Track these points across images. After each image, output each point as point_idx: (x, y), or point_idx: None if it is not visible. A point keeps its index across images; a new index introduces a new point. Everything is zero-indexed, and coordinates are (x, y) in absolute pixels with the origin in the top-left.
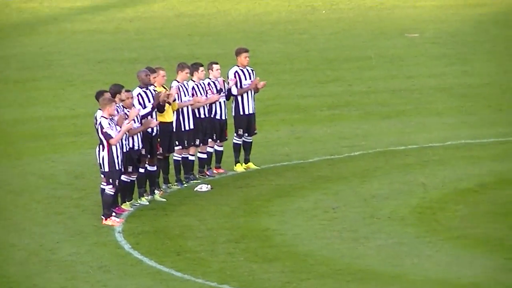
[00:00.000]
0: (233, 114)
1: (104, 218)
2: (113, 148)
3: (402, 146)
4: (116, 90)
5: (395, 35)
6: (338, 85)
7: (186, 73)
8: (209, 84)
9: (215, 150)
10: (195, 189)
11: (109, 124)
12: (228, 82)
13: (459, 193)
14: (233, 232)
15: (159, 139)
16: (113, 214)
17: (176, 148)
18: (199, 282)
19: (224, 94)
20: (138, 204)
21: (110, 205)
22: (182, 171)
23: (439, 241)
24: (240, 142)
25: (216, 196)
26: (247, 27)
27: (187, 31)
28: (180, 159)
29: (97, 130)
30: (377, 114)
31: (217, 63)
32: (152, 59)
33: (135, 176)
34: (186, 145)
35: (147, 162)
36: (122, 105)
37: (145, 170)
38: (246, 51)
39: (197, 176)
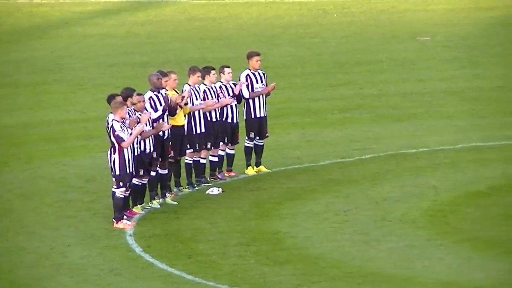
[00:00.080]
0: (245, 117)
1: (115, 221)
2: (125, 151)
3: (413, 149)
4: (127, 93)
5: (406, 39)
6: (349, 88)
7: (198, 76)
8: (220, 87)
9: (227, 153)
10: (207, 192)
11: (120, 127)
12: (241, 85)
13: (470, 195)
14: (244, 235)
15: (170, 143)
16: (125, 217)
17: (187, 151)
18: (210, 285)
19: (235, 97)
20: (149, 207)
21: (121, 208)
22: (193, 174)
23: (450, 243)
24: (251, 146)
25: (228, 199)
26: (259, 31)
27: (199, 35)
28: (191, 162)
29: (109, 133)
30: (388, 117)
31: (228, 67)
32: (163, 63)
33: (147, 179)
34: (197, 148)
35: (158, 165)
36: (134, 109)
37: (156, 173)
38: (258, 54)
39: (208, 179)
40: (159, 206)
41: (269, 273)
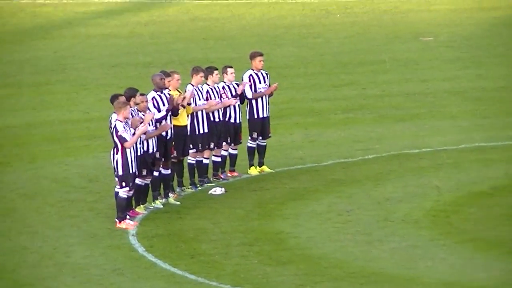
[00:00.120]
0: (248, 117)
1: (118, 221)
2: (127, 151)
3: (416, 149)
4: (130, 93)
5: (409, 39)
6: (352, 88)
7: (201, 76)
8: (223, 87)
9: (229, 154)
10: (209, 192)
11: (124, 127)
12: (244, 85)
13: (473, 196)
14: (247, 235)
15: (173, 143)
16: (127, 217)
17: (190, 151)
18: (213, 285)
19: (238, 97)
20: (152, 207)
21: (124, 208)
22: (196, 174)
23: (453, 244)
24: (254, 146)
25: (230, 199)
26: (262, 31)
27: (202, 35)
28: (194, 162)
29: (112, 133)
30: (391, 118)
31: (231, 67)
32: (166, 63)
33: (149, 179)
34: (200, 148)
35: (161, 166)
36: (137, 109)
37: (159, 174)
38: (261, 55)
39: (211, 179)
40: (162, 206)
41: (272, 273)
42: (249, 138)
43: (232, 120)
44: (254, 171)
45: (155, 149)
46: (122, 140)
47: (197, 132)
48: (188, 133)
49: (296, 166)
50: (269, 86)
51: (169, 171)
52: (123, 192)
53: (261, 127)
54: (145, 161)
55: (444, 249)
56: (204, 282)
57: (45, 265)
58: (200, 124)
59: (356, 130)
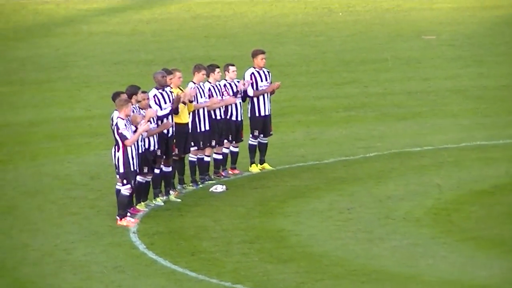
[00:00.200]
0: (249, 115)
1: (119, 218)
2: (129, 149)
3: (417, 148)
4: (132, 91)
5: (411, 37)
6: (354, 86)
7: (203, 74)
8: (225, 85)
9: (231, 151)
10: (210, 189)
11: (125, 125)
12: (244, 84)
13: (474, 194)
14: (248, 232)
15: (174, 140)
16: (128, 214)
17: (191, 149)
18: (213, 282)
19: (240, 95)
20: (153, 205)
21: (125, 206)
22: (197, 172)
23: (454, 242)
24: (255, 143)
25: (231, 197)
26: (264, 29)
27: (204, 33)
28: (195, 159)
29: (113, 130)
30: (393, 116)
31: (233, 65)
32: (168, 61)
33: (150, 177)
34: (201, 146)
35: (162, 163)
36: (139, 106)
37: (160, 171)
38: (263, 52)
39: (212, 177)
40: (162, 204)
41: (273, 271)
42: (251, 135)
43: (233, 118)
44: (255, 168)
45: (156, 147)
46: (123, 137)
47: (198, 130)
48: (190, 131)
49: (297, 164)
50: (271, 84)
51: (170, 169)
52: (126, 190)
53: (262, 125)
54: (146, 159)
55: (445, 247)
56: (204, 279)
57: (46, 263)
58: (202, 122)
59: (358, 128)
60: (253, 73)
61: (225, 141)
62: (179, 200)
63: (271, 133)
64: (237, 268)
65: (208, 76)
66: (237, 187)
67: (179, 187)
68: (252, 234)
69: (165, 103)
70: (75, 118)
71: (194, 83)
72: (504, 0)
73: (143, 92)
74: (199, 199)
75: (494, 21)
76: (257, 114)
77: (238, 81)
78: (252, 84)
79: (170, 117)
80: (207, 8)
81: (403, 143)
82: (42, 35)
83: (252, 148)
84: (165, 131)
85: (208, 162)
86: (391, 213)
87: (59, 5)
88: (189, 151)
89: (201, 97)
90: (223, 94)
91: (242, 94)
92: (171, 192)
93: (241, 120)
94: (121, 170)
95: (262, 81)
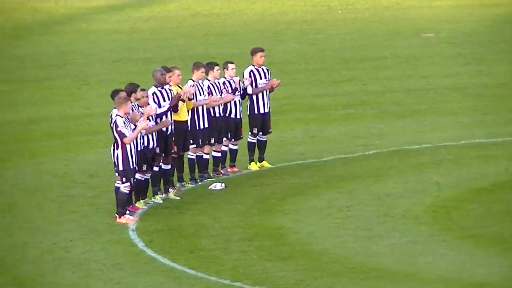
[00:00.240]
0: (248, 113)
1: (118, 216)
2: (128, 146)
3: (416, 145)
4: (131, 89)
5: (410, 35)
6: (353, 84)
7: (202, 72)
8: (224, 83)
9: (230, 149)
10: (209, 187)
11: (124, 123)
12: (244, 82)
13: (474, 192)
14: (247, 230)
15: (174, 138)
16: (127, 212)
17: (191, 146)
18: (212, 280)
19: (239, 93)
20: (152, 203)
21: (124, 203)
22: (196, 170)
23: (453, 240)
24: (254, 141)
25: (230, 195)
26: (263, 27)
27: (203, 31)
28: (194, 157)
29: (112, 128)
30: (392, 114)
31: (232, 63)
32: (167, 59)
33: (150, 175)
34: (200, 143)
35: (161, 161)
36: (137, 104)
37: (159, 169)
38: (262, 50)
39: (211, 175)
40: (162, 201)
41: (272, 269)
42: (250, 133)
43: (232, 116)
44: (254, 166)
45: (155, 144)
46: (122, 135)
47: (197, 127)
48: (189, 128)
49: (296, 161)
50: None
51: (169, 166)
52: (125, 188)
53: (261, 122)
54: (145, 156)
55: (444, 245)
56: (203, 277)
57: (45, 260)
58: (201, 119)
59: (357, 126)
60: (252, 71)
61: (224, 139)
62: (178, 198)
63: (270, 131)
64: (236, 266)
65: (207, 74)
66: (236, 185)
67: (178, 185)
68: (251, 232)
69: (164, 101)
70: (74, 116)
71: (193, 81)
72: None
73: (142, 90)
74: (198, 197)
75: (494, 19)
76: (256, 112)
77: (235, 79)
78: (251, 82)
79: (169, 114)
80: (206, 6)
81: (402, 141)
82: (41, 33)
83: (251, 146)
84: (164, 128)
85: (207, 160)
86: (390, 210)
87: (58, 3)
88: (188, 149)
89: (200, 94)
90: (222, 92)
91: (241, 91)
92: (170, 190)
93: (240, 117)
94: (120, 168)
95: (261, 79)
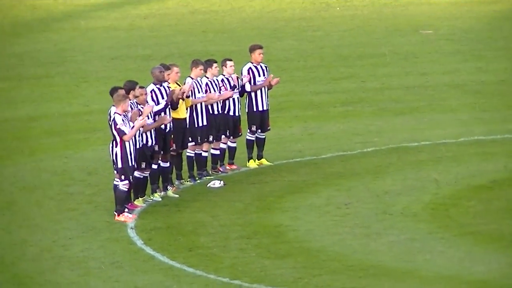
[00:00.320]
0: (247, 110)
1: (116, 214)
2: (126, 144)
3: (415, 143)
4: (130, 86)
5: (409, 32)
6: (351, 81)
7: (200, 69)
8: (222, 80)
9: (228, 147)
10: (208, 185)
11: (122, 120)
12: (242, 79)
13: (472, 189)
14: (245, 228)
15: (172, 136)
16: (126, 210)
17: (189, 144)
18: (211, 278)
19: (237, 90)
20: (151, 200)
21: (123, 201)
22: (195, 167)
23: (451, 237)
24: (253, 139)
25: (229, 192)
26: (261, 24)
27: (201, 28)
28: (193, 155)
29: (111, 126)
30: (390, 111)
31: (231, 60)
32: (166, 56)
33: (148, 172)
34: (199, 141)
35: (160, 158)
36: (136, 102)
37: (158, 166)
38: (260, 47)
39: (210, 172)
40: (160, 199)
41: (270, 266)
42: (248, 131)
43: (231, 113)
44: (253, 164)
45: (154, 142)
46: (121, 133)
47: (196, 125)
48: (187, 126)
49: (295, 159)
50: None
51: (168, 164)
52: (124, 185)
53: (260, 120)
54: (144, 154)
55: (443, 242)
56: (202, 275)
57: (44, 258)
58: (199, 117)
59: (355, 123)
60: (250, 68)
61: (223, 136)
62: (176, 195)
63: (268, 128)
64: (234, 264)
65: (205, 71)
66: (235, 182)
67: (177, 182)
68: (250, 230)
69: (163, 98)
70: (73, 113)
71: (192, 78)
72: None
73: (141, 87)
74: (197, 194)
75: (492, 16)
76: (254, 109)
77: (237, 77)
78: (249, 79)
79: (168, 112)
80: (205, 3)
81: (400, 138)
82: (40, 30)
83: (249, 144)
84: (163, 126)
85: (206, 157)
86: (388, 208)
87: (57, 0)
88: (186, 147)
89: (199, 92)
90: (220, 89)
91: (239, 89)
92: (169, 187)
93: (239, 115)
94: (119, 165)
95: (259, 76)
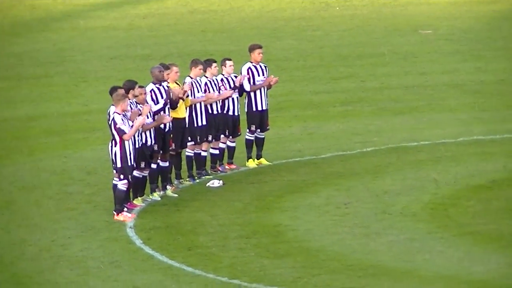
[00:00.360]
0: (246, 110)
1: (115, 213)
2: (126, 143)
3: (414, 142)
4: (129, 86)
5: (408, 32)
6: (351, 81)
7: (200, 69)
8: (222, 80)
9: (228, 146)
10: (207, 184)
11: (122, 120)
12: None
13: (472, 189)
14: (244, 227)
15: (171, 135)
16: (125, 209)
17: (188, 144)
18: (210, 277)
19: (237, 89)
20: (150, 200)
21: (122, 201)
22: (194, 167)
23: (451, 237)
24: (252, 138)
25: (228, 192)
26: (261, 24)
27: (201, 28)
28: (192, 154)
29: (110, 126)
30: (390, 110)
31: (230, 59)
32: (165, 56)
33: (147, 172)
34: (198, 141)
35: (159, 158)
36: (135, 101)
37: (157, 166)
38: (260, 47)
39: (209, 172)
40: (159, 199)
41: (269, 266)
42: (247, 130)
43: (230, 113)
44: (252, 163)
45: (153, 142)
46: (121, 132)
47: (195, 125)
48: (187, 126)
49: (294, 158)
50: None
51: (167, 164)
52: (123, 185)
53: (259, 119)
54: (143, 154)
55: (442, 242)
56: (201, 274)
57: (43, 258)
58: (199, 117)
59: (355, 123)
60: (250, 67)
61: (222, 136)
62: (176, 195)
63: (268, 128)
64: (233, 263)
65: (205, 71)
66: (234, 182)
67: (176, 182)
68: (249, 229)
69: (162, 98)
70: (72, 113)
71: (191, 78)
72: None
73: (140, 87)
74: (196, 194)
75: (492, 16)
76: (254, 109)
77: (235, 76)
78: (249, 79)
79: (168, 111)
80: (204, 2)
81: (400, 138)
82: (39, 30)
83: (249, 143)
84: (162, 126)
85: (205, 157)
86: (388, 208)
87: (56, 0)
88: (186, 146)
89: (198, 92)
90: (220, 89)
91: (239, 88)
92: (168, 187)
93: (238, 114)
94: (119, 165)
95: (259, 75)
